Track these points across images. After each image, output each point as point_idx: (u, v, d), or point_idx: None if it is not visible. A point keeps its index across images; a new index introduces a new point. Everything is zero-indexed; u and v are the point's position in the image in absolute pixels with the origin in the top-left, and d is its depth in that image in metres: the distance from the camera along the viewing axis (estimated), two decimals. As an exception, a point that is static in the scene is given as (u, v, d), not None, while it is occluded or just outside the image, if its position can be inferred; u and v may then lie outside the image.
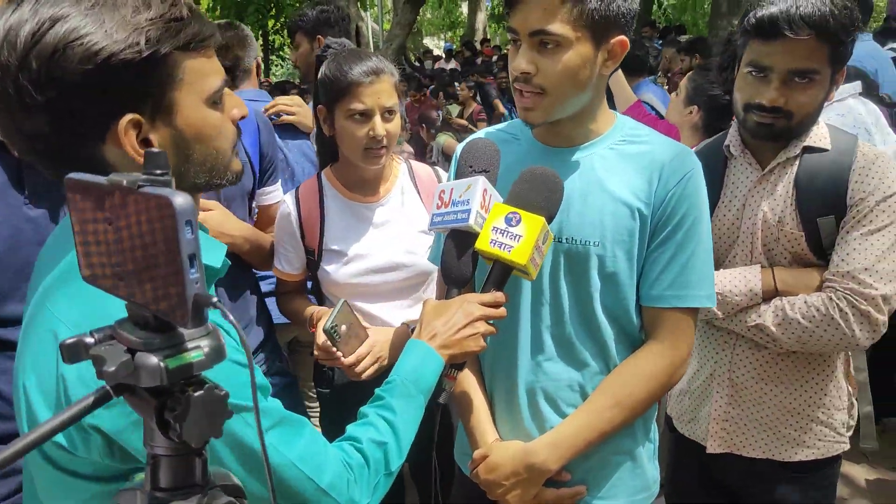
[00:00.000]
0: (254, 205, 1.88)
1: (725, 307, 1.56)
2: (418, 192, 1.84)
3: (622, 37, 1.22)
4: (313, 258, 1.82)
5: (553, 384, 1.36)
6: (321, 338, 1.63)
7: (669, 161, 1.29)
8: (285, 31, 18.55)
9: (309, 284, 1.94)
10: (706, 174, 1.57)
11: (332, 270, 1.79)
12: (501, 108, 7.49)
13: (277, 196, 1.90)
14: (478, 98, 8.03)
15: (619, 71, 3.28)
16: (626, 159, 1.31)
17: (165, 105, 0.85)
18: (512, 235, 1.16)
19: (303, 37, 2.84)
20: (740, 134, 1.63)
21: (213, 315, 0.67)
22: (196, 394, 0.57)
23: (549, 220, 1.21)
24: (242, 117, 0.98)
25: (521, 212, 1.17)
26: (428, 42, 27.61)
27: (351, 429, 1.06)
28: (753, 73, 1.50)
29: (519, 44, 1.22)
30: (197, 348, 0.58)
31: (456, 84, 8.70)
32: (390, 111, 1.69)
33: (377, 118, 1.67)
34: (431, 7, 25.59)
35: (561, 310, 1.33)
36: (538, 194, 1.20)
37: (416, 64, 14.11)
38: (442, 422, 1.26)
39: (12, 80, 0.78)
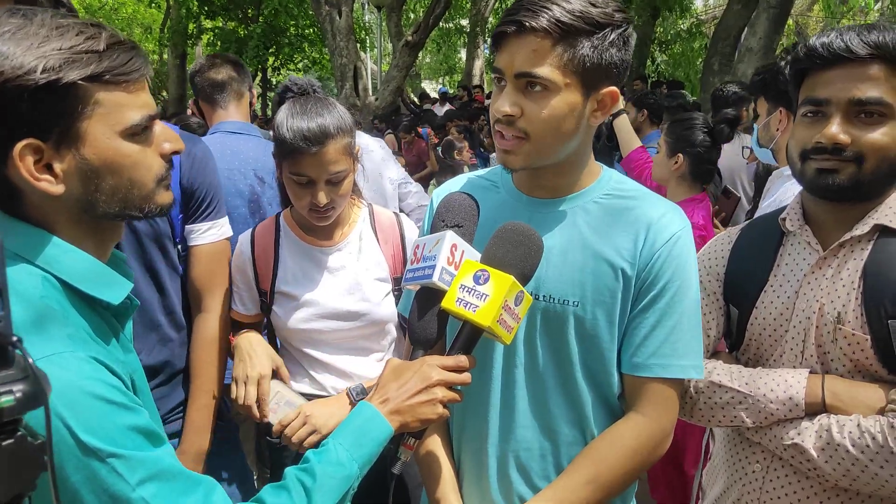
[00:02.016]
0: (180, 246, 1.75)
1: (756, 415, 1.27)
2: (377, 239, 1.78)
3: (613, 88, 1.17)
4: (266, 300, 1.76)
5: (525, 453, 1.27)
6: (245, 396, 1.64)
7: (658, 219, 1.22)
8: (283, 70, 18.85)
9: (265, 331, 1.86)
10: (756, 250, 1.39)
11: (283, 314, 1.73)
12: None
13: (209, 236, 1.76)
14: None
15: (625, 115, 3.28)
16: (612, 215, 1.24)
17: (72, 134, 0.88)
18: (479, 294, 1.08)
19: None
20: (802, 205, 1.37)
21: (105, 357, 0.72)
22: (4, 443, 0.54)
23: (524, 280, 1.13)
24: (175, 152, 0.96)
25: (491, 269, 1.10)
26: (426, 85, 28.03)
27: (264, 490, 0.99)
28: (810, 115, 1.25)
29: (503, 84, 1.16)
30: (7, 393, 0.54)
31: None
32: (338, 177, 1.61)
33: (319, 186, 1.59)
34: (430, 52, 26.05)
35: (536, 372, 1.25)
36: (513, 252, 1.12)
37: (414, 105, 14.28)
38: (397, 494, 1.17)
39: None
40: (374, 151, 3.12)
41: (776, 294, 1.35)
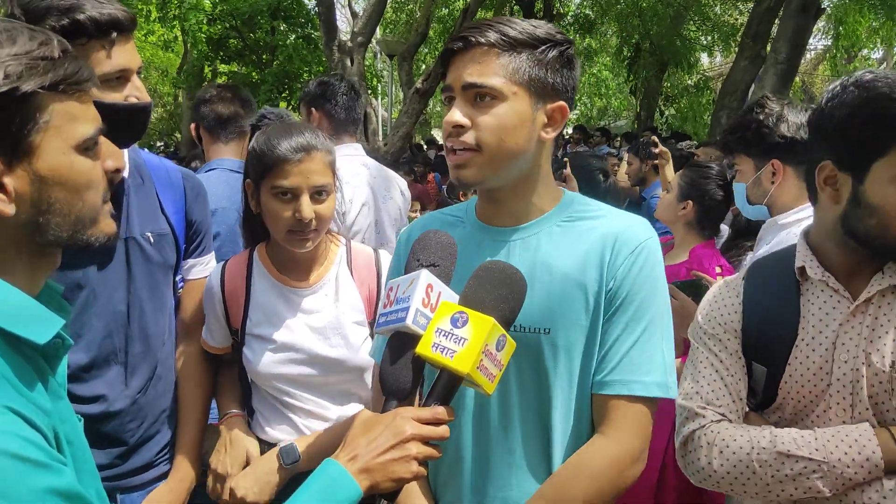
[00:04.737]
0: (178, 278, 1.72)
1: (833, 482, 1.18)
2: (354, 280, 1.68)
3: (562, 103, 1.19)
4: (236, 339, 1.67)
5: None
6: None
7: (622, 231, 1.19)
8: (295, 114, 19.13)
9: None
10: (774, 302, 1.33)
11: (253, 357, 1.63)
12: None
13: (208, 269, 1.76)
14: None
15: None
16: (576, 236, 1.21)
17: (25, 147, 0.80)
18: (456, 339, 0.98)
19: (304, 108, 2.84)
20: (811, 250, 1.32)
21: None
22: None
23: (507, 323, 1.04)
24: (116, 170, 0.88)
25: (470, 311, 1.00)
26: (436, 133, 28.44)
27: None
28: None
29: (453, 101, 1.18)
30: None
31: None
32: (321, 191, 1.54)
33: (304, 198, 1.52)
34: (440, 101, 26.51)
35: (509, 410, 1.20)
36: (493, 292, 1.04)
37: (418, 150, 14.46)
38: None
39: None
40: (405, 194, 3.06)
41: (811, 348, 1.28)
